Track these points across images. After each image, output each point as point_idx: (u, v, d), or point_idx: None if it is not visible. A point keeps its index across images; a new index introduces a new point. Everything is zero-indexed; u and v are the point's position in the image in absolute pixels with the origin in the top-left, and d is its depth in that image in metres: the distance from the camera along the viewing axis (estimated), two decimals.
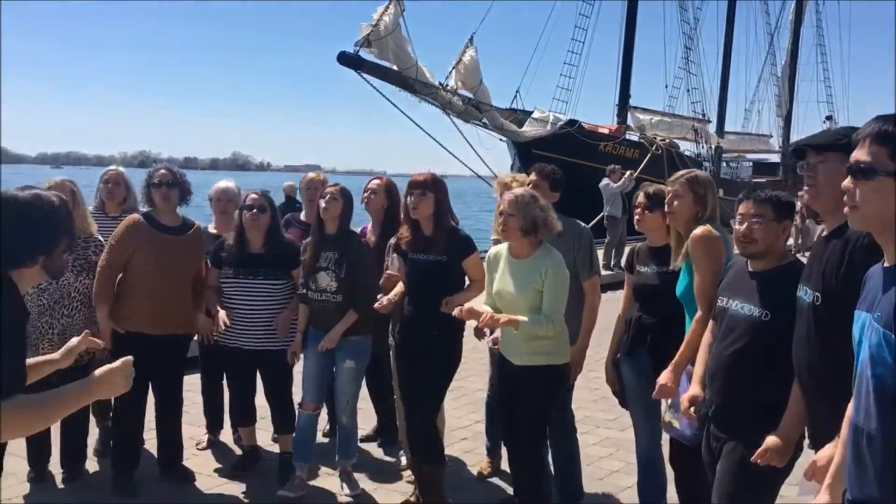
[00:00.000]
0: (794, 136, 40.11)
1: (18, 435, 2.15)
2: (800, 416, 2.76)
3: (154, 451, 4.95)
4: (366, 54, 19.21)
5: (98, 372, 2.23)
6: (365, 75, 19.41)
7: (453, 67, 21.13)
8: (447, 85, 20.92)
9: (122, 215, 4.94)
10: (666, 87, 30.97)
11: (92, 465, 4.94)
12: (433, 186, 4.28)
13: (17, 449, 4.79)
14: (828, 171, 2.52)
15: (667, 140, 26.68)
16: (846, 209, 1.98)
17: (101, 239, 4.74)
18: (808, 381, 2.62)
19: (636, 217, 4.10)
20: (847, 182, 1.95)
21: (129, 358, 2.27)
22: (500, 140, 23.81)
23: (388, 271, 4.63)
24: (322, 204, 4.54)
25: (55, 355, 2.63)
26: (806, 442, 2.82)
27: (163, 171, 4.75)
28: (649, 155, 24.46)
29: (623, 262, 4.43)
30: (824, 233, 2.61)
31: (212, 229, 5.25)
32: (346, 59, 19.01)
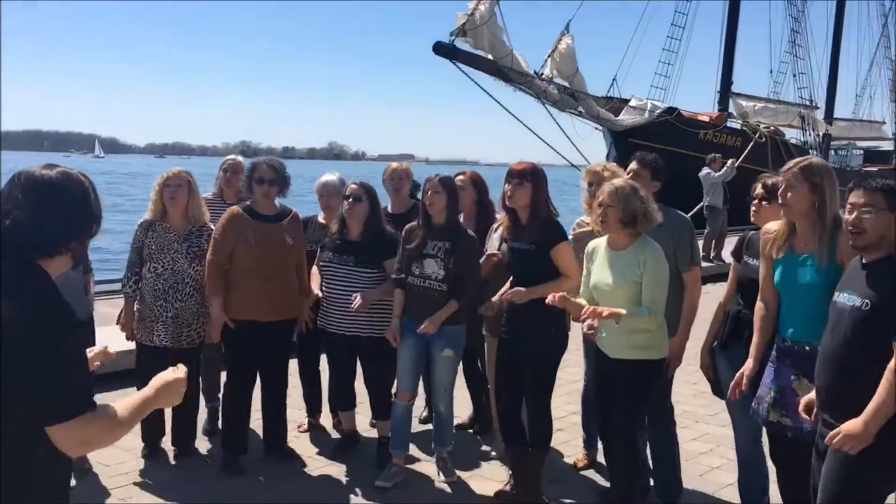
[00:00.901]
0: None
1: (84, 451, 1.99)
2: (887, 408, 2.65)
3: (260, 432, 5.13)
4: (461, 44, 19.26)
5: (157, 383, 2.10)
6: (460, 65, 19.48)
7: (549, 56, 20.92)
8: (542, 74, 20.74)
9: (239, 202, 5.12)
10: (771, 72, 29.85)
11: (202, 444, 5.18)
12: (531, 176, 4.28)
13: (134, 427, 5.05)
14: None
15: (771, 127, 25.72)
16: None
17: (213, 228, 4.94)
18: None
19: (752, 209, 3.97)
20: None
21: (183, 372, 2.16)
22: (596, 129, 23.46)
23: (487, 251, 4.68)
24: (427, 198, 4.60)
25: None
26: None
27: (266, 166, 4.90)
28: (752, 143, 23.65)
29: (732, 249, 4.29)
30: None
31: (321, 219, 5.41)
32: (442, 50, 19.10)
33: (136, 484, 4.58)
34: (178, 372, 2.15)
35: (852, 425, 2.73)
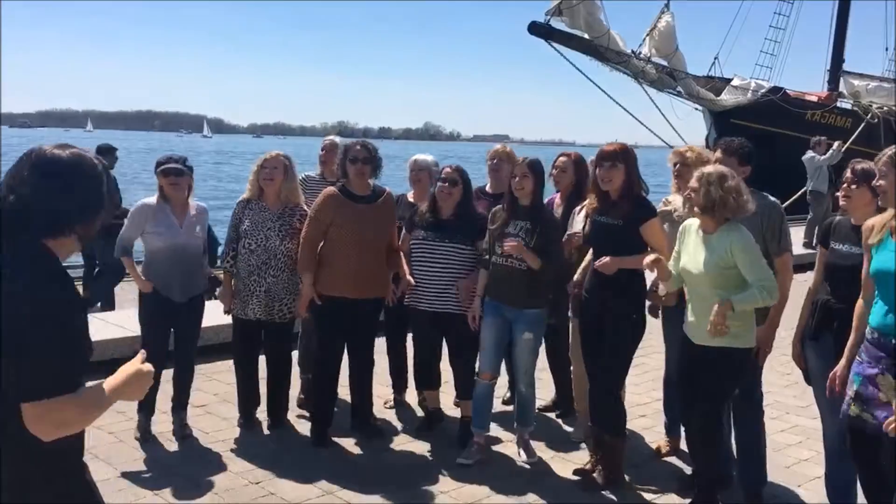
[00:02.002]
0: None
1: (58, 435, 1.84)
2: None
3: (348, 407, 5.30)
4: (557, 23, 19.03)
5: (117, 378, 1.96)
6: (555, 45, 19.27)
7: (647, 34, 20.43)
8: (640, 53, 20.30)
9: (340, 180, 5.29)
10: (886, 49, 28.23)
11: (294, 416, 5.39)
12: (623, 157, 4.31)
13: (232, 397, 5.33)
14: None
15: (885, 108, 24.41)
16: None
17: (306, 208, 5.12)
18: None
19: (842, 193, 3.86)
20: None
21: (147, 365, 2.03)
22: (696, 109, 22.78)
23: (569, 231, 4.70)
24: (515, 182, 4.65)
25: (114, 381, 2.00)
26: None
27: (359, 147, 5.04)
28: (863, 124, 22.51)
29: (818, 235, 4.17)
30: None
31: (410, 198, 5.52)
32: (538, 29, 18.93)
33: (231, 451, 4.82)
34: (146, 366, 2.02)
35: None
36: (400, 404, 5.69)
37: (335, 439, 4.99)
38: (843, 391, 3.52)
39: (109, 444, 4.76)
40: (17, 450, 1.87)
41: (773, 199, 4.33)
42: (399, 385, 5.73)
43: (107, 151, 8.46)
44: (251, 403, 5.23)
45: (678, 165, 4.63)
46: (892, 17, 28.63)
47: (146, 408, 4.86)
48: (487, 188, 5.70)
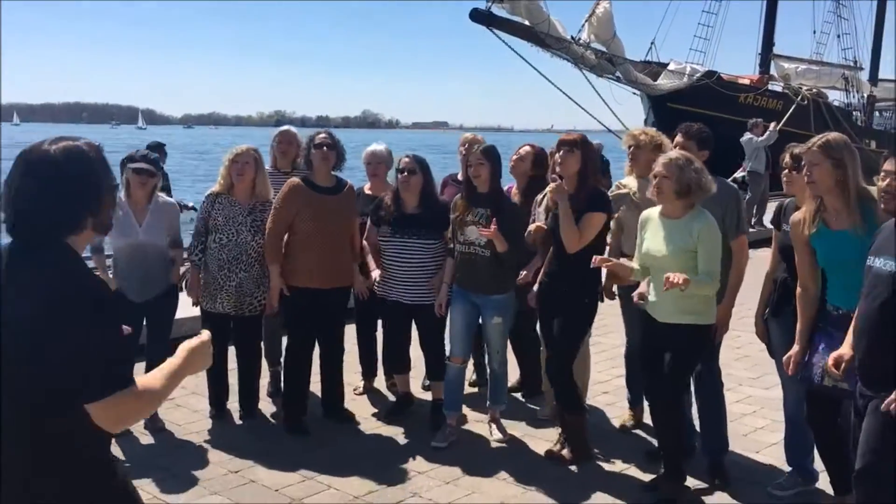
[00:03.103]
0: None
1: (121, 427, 1.96)
2: None
3: (319, 395, 5.37)
4: (497, 10, 19.17)
5: (182, 352, 2.08)
6: (497, 31, 19.42)
7: (586, 20, 20.71)
8: (580, 39, 20.60)
9: (293, 172, 5.31)
10: (814, 32, 29.15)
11: (266, 406, 5.43)
12: (581, 145, 4.47)
13: (202, 389, 5.35)
14: None
15: (814, 90, 25.27)
16: None
17: None
18: None
19: (784, 179, 4.08)
20: None
21: (207, 335, 2.17)
22: (634, 94, 23.26)
23: (535, 223, 4.85)
24: (472, 170, 4.76)
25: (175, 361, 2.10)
26: None
27: (323, 134, 5.12)
28: (794, 106, 23.28)
29: (771, 217, 4.39)
30: None
31: (367, 190, 5.57)
32: (479, 16, 19.03)
33: (206, 442, 4.85)
34: (202, 336, 2.15)
35: None
36: (370, 391, 5.78)
37: (308, 427, 5.05)
38: (797, 371, 3.75)
39: None
40: (44, 458, 1.92)
41: (730, 183, 4.54)
42: (369, 372, 5.81)
43: (157, 148, 8.71)
44: (222, 395, 5.26)
45: (632, 148, 4.77)
46: (820, 1, 29.60)
47: None
48: (459, 176, 5.76)
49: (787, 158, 4.05)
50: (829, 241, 3.59)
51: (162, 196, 5.07)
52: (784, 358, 3.84)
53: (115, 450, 4.58)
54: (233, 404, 5.30)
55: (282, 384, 5.26)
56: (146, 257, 4.84)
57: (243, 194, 5.08)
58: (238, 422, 5.20)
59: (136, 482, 4.17)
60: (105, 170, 2.05)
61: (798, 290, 3.81)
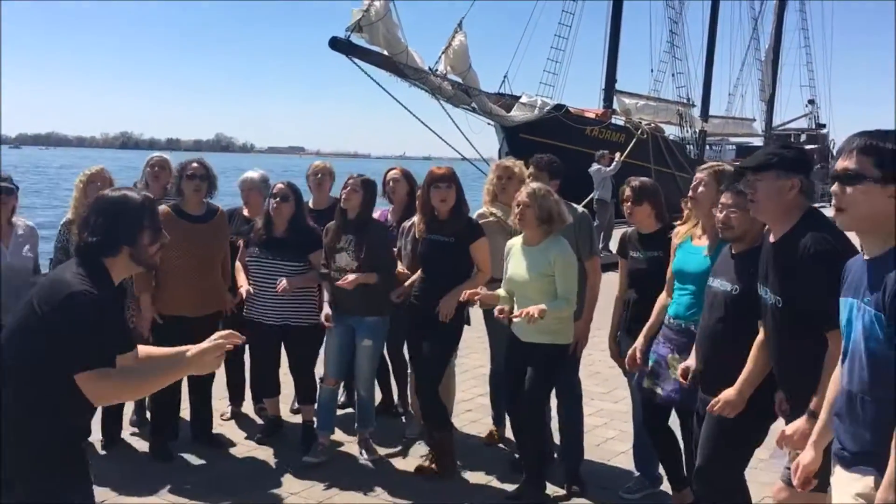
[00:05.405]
0: (777, 120, 40.81)
1: (115, 400, 2.60)
2: (754, 377, 3.20)
3: (185, 423, 5.32)
4: (357, 39, 19.43)
5: (191, 351, 2.48)
6: (356, 60, 19.67)
7: (443, 52, 21.36)
8: (437, 70, 21.18)
9: (164, 199, 5.29)
10: (651, 71, 31.35)
11: (129, 436, 5.33)
12: (454, 178, 4.78)
13: None
14: (766, 187, 2.95)
15: (652, 124, 27.07)
16: (833, 212, 2.39)
17: None
18: (777, 365, 3.08)
19: (626, 210, 4.45)
20: (835, 187, 2.33)
21: (221, 340, 2.51)
22: (489, 124, 24.09)
23: (400, 265, 5.07)
24: (343, 195, 4.93)
25: (187, 349, 2.56)
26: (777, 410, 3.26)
27: (195, 164, 5.12)
28: (635, 139, 24.84)
29: (616, 247, 4.79)
30: (771, 238, 3.03)
31: (245, 213, 5.67)
32: (339, 45, 19.24)
33: None
34: (219, 335, 2.54)
35: (728, 394, 3.25)
36: (238, 416, 5.77)
37: (176, 453, 5.01)
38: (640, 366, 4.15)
39: None
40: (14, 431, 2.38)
41: (581, 208, 4.93)
42: (237, 397, 5.81)
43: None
44: None
45: (502, 179, 5.05)
46: (657, 43, 31.84)
47: None
48: (311, 203, 5.82)
49: (627, 191, 4.41)
50: (686, 254, 3.99)
51: (21, 218, 4.91)
52: (629, 352, 4.20)
53: None
54: (94, 435, 5.15)
55: (147, 412, 5.18)
56: (12, 278, 4.64)
57: None
58: (101, 451, 5.07)
59: None
60: (149, 216, 2.63)
61: (663, 293, 4.16)
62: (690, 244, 4.00)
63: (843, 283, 2.43)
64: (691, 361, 3.63)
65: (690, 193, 3.97)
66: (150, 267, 2.71)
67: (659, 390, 3.95)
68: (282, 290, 4.90)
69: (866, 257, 2.34)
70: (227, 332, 2.59)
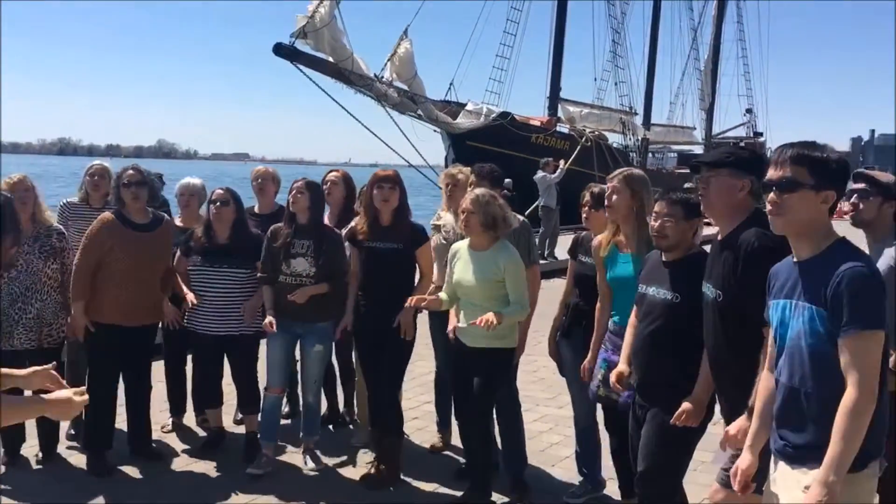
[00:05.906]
0: (716, 129, 41.86)
1: None
2: (709, 383, 3.27)
3: (123, 435, 5.19)
4: (302, 46, 19.34)
5: (54, 396, 2.33)
6: (301, 67, 19.56)
7: (388, 60, 21.40)
8: (382, 77, 21.19)
9: (105, 208, 5.16)
10: (595, 80, 31.91)
11: (64, 448, 5.18)
12: (399, 180, 4.77)
13: None
14: (718, 184, 3.04)
15: (596, 132, 27.50)
16: (770, 216, 2.47)
17: (61, 227, 5.01)
18: (714, 363, 3.15)
19: (584, 216, 4.50)
20: (772, 195, 2.42)
21: (85, 397, 2.35)
22: (435, 131, 24.20)
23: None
24: (290, 198, 4.88)
25: (21, 373, 2.47)
26: (717, 408, 3.33)
27: (131, 171, 5.01)
28: (579, 147, 25.19)
29: (568, 247, 4.84)
30: (719, 237, 3.10)
31: (178, 222, 5.53)
32: (283, 51, 19.12)
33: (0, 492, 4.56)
34: (78, 398, 2.32)
35: (689, 405, 3.30)
36: (179, 427, 5.66)
37: (115, 468, 4.88)
38: (591, 379, 4.20)
39: None
40: None
41: (522, 217, 4.97)
42: (178, 408, 5.70)
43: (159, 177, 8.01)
44: (16, 439, 4.95)
45: (450, 186, 5.08)
46: (600, 51, 32.35)
47: None
48: (256, 208, 5.82)
49: (587, 197, 4.46)
50: (616, 262, 4.08)
51: None
52: (581, 367, 4.27)
53: None
54: (29, 449, 5.01)
55: (85, 424, 5.04)
56: None
57: (25, 224, 4.71)
58: (36, 467, 4.93)
59: None
60: (9, 219, 2.66)
61: (598, 304, 4.24)
62: (619, 253, 4.07)
63: (770, 288, 2.51)
64: (623, 367, 3.70)
65: (606, 203, 4.06)
66: (7, 268, 2.62)
67: (615, 396, 3.98)
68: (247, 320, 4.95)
69: (796, 260, 2.44)
70: (81, 387, 2.41)
